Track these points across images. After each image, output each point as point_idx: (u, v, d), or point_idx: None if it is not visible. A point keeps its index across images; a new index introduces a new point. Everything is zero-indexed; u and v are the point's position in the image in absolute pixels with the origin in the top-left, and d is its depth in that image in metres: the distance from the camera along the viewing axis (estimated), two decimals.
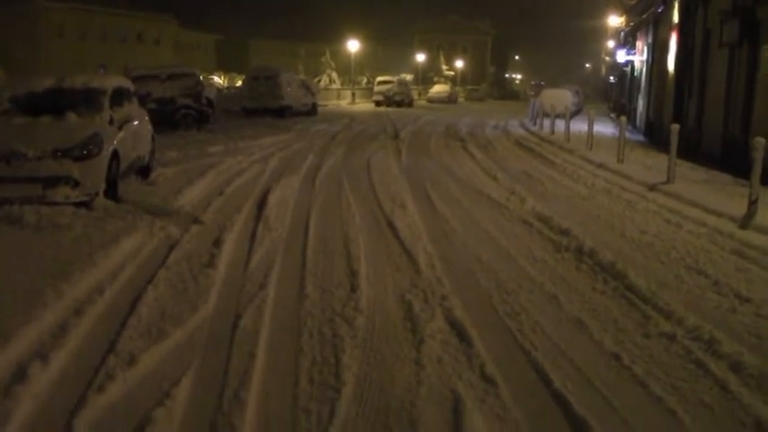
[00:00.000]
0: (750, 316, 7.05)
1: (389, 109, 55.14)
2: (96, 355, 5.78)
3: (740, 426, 4.85)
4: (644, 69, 35.68)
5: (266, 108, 37.14)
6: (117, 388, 5.16)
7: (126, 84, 14.65)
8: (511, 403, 5.08)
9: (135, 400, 5.02)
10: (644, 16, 34.87)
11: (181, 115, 27.26)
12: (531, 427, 4.77)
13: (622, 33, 49.75)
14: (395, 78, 65.46)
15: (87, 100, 12.55)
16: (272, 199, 12.60)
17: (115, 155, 11.98)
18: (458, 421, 4.77)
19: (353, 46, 76.28)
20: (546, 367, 5.66)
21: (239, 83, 59.55)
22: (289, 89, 39.16)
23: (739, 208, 11.87)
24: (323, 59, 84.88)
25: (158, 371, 5.51)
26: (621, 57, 45.64)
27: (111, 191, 11.77)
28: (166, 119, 24.97)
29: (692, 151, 21.02)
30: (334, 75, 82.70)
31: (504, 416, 4.90)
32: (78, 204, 10.97)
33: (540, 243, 10.06)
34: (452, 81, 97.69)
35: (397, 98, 59.94)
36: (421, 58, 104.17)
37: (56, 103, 12.31)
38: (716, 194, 14.03)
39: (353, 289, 7.62)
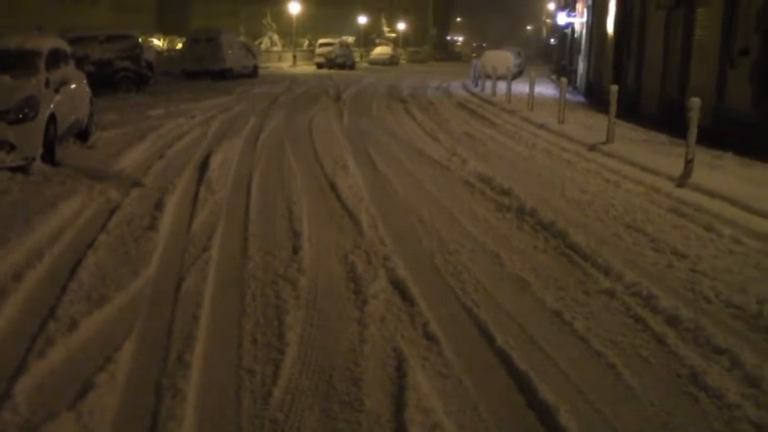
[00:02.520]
0: (686, 272, 7.21)
1: (331, 71, 54.84)
2: (36, 320, 5.69)
3: (676, 377, 4.97)
4: (584, 31, 35.93)
5: (207, 70, 36.73)
6: (57, 353, 5.08)
7: (62, 45, 14.33)
8: (454, 360, 5.14)
9: (76, 366, 4.96)
10: None
11: (120, 78, 26.83)
12: (474, 384, 4.82)
13: None
14: (336, 40, 64.98)
15: (22, 62, 12.26)
16: (214, 162, 12.50)
17: (52, 118, 11.74)
18: (401, 380, 4.80)
19: (294, 8, 75.48)
20: (488, 325, 5.72)
21: (179, 45, 58.65)
22: (230, 51, 38.74)
23: (676, 167, 12.08)
24: (264, 21, 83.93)
25: (100, 335, 5.45)
26: (562, 19, 45.91)
27: (49, 155, 11.55)
28: (105, 81, 24.52)
29: (631, 112, 21.30)
30: (276, 37, 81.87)
31: (447, 373, 4.95)
32: (15, 169, 10.76)
33: (482, 203, 10.14)
34: (394, 43, 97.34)
35: (339, 60, 59.65)
36: (363, 20, 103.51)
37: None
38: (654, 154, 14.26)
39: (296, 250, 7.61)
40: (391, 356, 5.18)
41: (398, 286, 6.60)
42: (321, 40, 65.55)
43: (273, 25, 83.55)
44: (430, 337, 5.51)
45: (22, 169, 10.82)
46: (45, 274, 6.82)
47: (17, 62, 12.22)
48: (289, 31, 79.45)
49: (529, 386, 4.74)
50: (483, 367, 5.08)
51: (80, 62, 15.27)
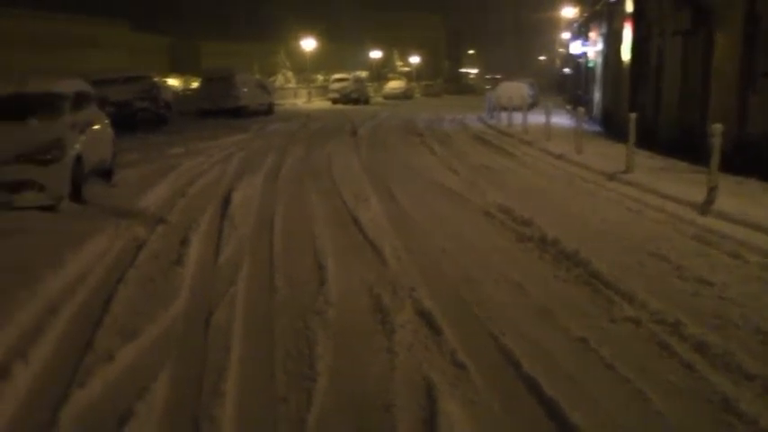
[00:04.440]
0: (712, 299, 7.20)
1: (346, 106, 55.14)
2: (75, 352, 5.85)
3: (707, 403, 4.99)
4: (599, 60, 36.01)
5: (222, 109, 36.89)
6: (98, 383, 5.23)
7: (86, 88, 14.59)
8: (482, 387, 5.19)
9: (115, 396, 5.09)
10: (597, 7, 35.21)
11: (139, 118, 27.15)
12: (503, 410, 4.88)
13: (576, 25, 50.12)
14: (350, 76, 65.33)
15: (49, 104, 12.49)
16: (236, 198, 12.64)
17: (78, 158, 11.96)
18: (432, 406, 4.87)
19: (308, 44, 76.07)
20: (515, 352, 5.77)
21: (194, 85, 59.11)
22: (244, 89, 39.03)
23: (698, 194, 12.07)
24: (278, 59, 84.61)
25: (136, 367, 5.57)
26: (576, 48, 45.93)
27: (76, 194, 11.77)
28: (125, 122, 24.81)
29: (649, 140, 21.29)
30: (290, 74, 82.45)
31: (477, 399, 5.01)
32: (44, 208, 10.95)
33: (503, 234, 10.18)
34: (408, 77, 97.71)
35: (353, 95, 59.89)
36: (376, 54, 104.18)
37: (18, 108, 12.23)
38: (674, 182, 14.24)
39: (322, 283, 7.69)
40: (421, 384, 5.24)
41: (425, 316, 6.66)
42: (335, 76, 65.89)
43: (287, 62, 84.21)
44: (458, 364, 5.58)
45: (52, 208, 11.03)
46: (79, 308, 6.98)
47: (44, 105, 12.44)
48: (303, 67, 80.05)
49: (558, 412, 4.79)
50: (512, 393, 5.14)
51: (101, 104, 15.50)
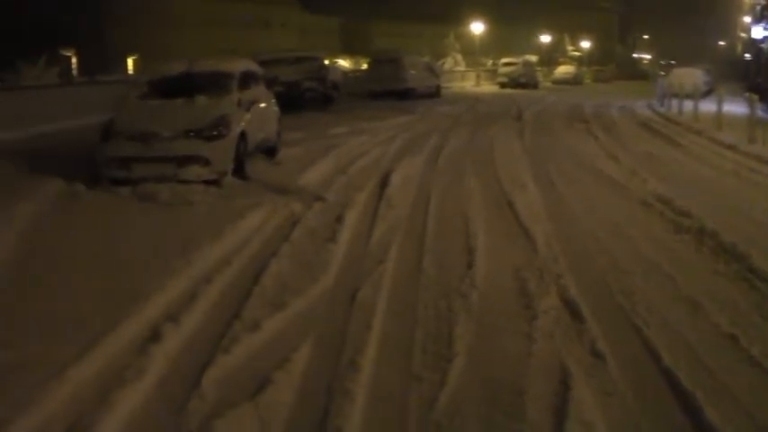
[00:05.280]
0: None
1: (514, 91, 54.52)
2: (223, 318, 6.21)
3: None
4: None
5: (390, 91, 37.19)
6: (242, 350, 5.53)
7: (253, 67, 15.15)
8: (619, 378, 5.15)
9: (257, 363, 5.37)
10: None
11: (306, 97, 27.77)
12: (637, 401, 4.83)
13: (759, 7, 47.91)
14: (519, 60, 64.52)
15: (217, 83, 13.11)
16: (395, 178, 12.79)
17: (243, 135, 12.47)
18: (565, 394, 4.87)
19: (478, 28, 75.76)
20: (657, 345, 5.67)
21: (364, 66, 59.97)
22: (412, 72, 39.27)
23: None
24: (447, 41, 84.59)
25: (279, 337, 5.84)
26: (758, 33, 43.92)
27: (239, 169, 12.26)
28: (292, 101, 25.38)
29: None
30: (459, 57, 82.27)
31: (612, 390, 4.97)
32: (208, 182, 11.51)
33: (660, 224, 9.92)
34: (578, 62, 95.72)
35: (522, 80, 59.14)
36: (545, 38, 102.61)
37: (188, 86, 12.89)
38: None
39: (470, 266, 7.75)
40: (557, 371, 5.24)
41: (569, 304, 6.62)
42: (504, 60, 65.23)
43: (457, 45, 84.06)
44: (597, 354, 5.54)
45: (215, 182, 11.58)
46: (232, 279, 7.35)
47: (212, 83, 13.07)
48: (472, 50, 79.82)
49: (694, 408, 4.70)
50: (648, 386, 5.07)
51: (270, 83, 16.01)
